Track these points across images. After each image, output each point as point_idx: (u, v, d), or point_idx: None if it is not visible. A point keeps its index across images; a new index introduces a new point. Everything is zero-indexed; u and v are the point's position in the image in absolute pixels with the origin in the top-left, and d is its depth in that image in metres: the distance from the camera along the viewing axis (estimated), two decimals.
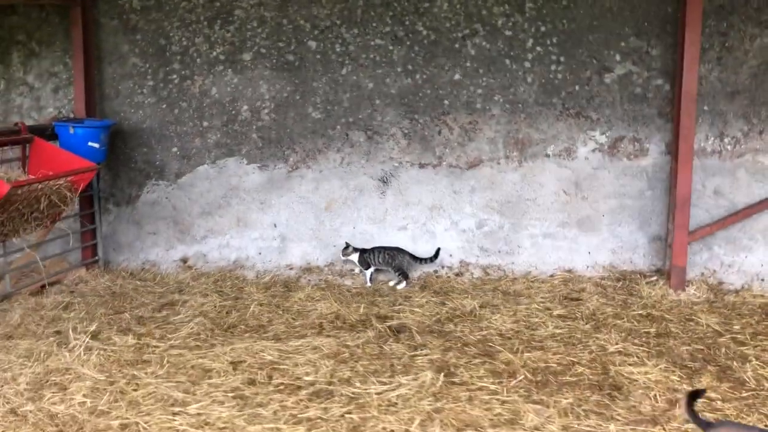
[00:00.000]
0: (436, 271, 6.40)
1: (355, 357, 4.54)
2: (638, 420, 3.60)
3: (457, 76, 6.29)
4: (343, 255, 6.21)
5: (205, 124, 6.65)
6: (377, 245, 6.31)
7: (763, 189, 5.96)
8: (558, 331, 4.97)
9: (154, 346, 4.73)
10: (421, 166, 6.45)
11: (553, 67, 6.16)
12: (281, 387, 4.09)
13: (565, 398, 3.86)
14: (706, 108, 5.96)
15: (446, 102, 6.33)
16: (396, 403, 3.84)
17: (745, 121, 5.95)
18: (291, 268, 6.60)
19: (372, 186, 6.54)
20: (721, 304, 5.54)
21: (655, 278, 5.98)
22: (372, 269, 6.22)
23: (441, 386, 4.05)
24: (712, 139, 5.99)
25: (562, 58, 6.14)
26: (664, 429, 3.50)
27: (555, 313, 5.35)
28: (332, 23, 6.39)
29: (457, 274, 6.33)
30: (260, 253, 6.71)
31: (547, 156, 6.27)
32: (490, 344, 4.74)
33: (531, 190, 6.32)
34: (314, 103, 6.50)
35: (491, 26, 6.19)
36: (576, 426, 3.53)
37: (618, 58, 6.07)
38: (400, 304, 5.59)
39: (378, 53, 6.36)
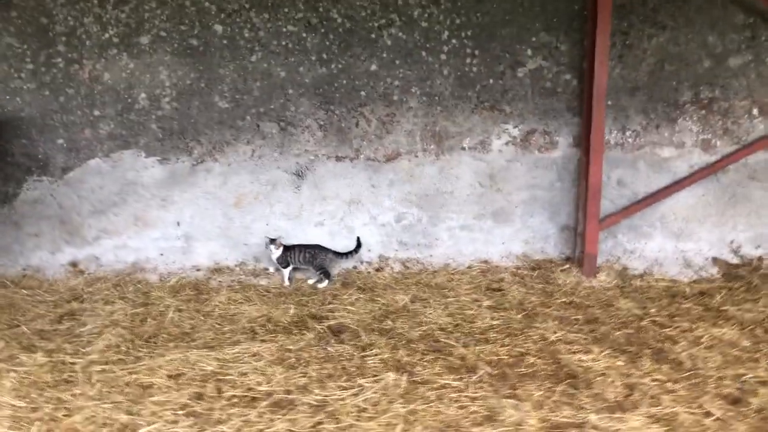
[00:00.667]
0: (355, 267, 6.23)
1: (303, 362, 4.29)
2: (607, 407, 3.68)
3: (373, 67, 6.14)
4: (272, 248, 5.84)
5: (96, 113, 6.01)
6: (297, 243, 6.03)
7: (660, 179, 6.37)
8: (495, 322, 5.00)
9: (71, 363, 4.18)
10: (338, 159, 6.25)
11: (468, 60, 6.19)
12: (234, 400, 3.77)
13: (532, 391, 3.87)
14: (609, 103, 6.25)
15: (363, 93, 6.16)
16: (366, 409, 3.65)
17: (644, 116, 6.32)
18: (198, 270, 6.15)
19: (286, 180, 6.24)
20: (631, 289, 5.86)
21: (568, 266, 6.20)
22: (290, 268, 5.93)
23: (406, 387, 3.91)
24: (615, 132, 6.31)
25: (476, 52, 6.18)
26: (633, 414, 3.59)
27: (484, 304, 5.39)
28: (240, 7, 6.00)
29: (377, 269, 6.20)
30: (162, 255, 6.19)
31: (463, 149, 6.30)
32: (435, 339, 4.66)
33: (448, 183, 6.32)
34: (221, 91, 6.08)
35: (407, 17, 6.10)
36: (554, 418, 3.55)
37: (529, 52, 6.21)
38: (330, 303, 5.38)
39: (290, 40, 6.07)
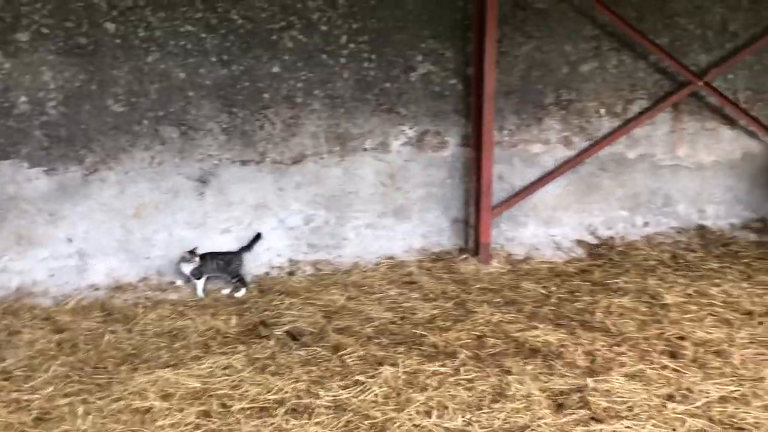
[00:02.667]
0: (267, 273, 6.13)
1: (284, 367, 4.21)
2: (587, 373, 4.15)
3: (276, 69, 6.09)
4: (186, 262, 5.53)
5: None
6: (209, 251, 5.77)
7: (532, 173, 7.12)
8: (435, 311, 5.28)
9: (26, 401, 3.69)
10: (243, 163, 6.10)
11: (365, 64, 6.40)
12: (248, 411, 3.62)
13: (516, 366, 4.22)
14: None
15: (266, 95, 6.09)
16: (386, 401, 3.73)
17: (517, 116, 7.02)
18: (96, 289, 5.64)
19: (188, 187, 5.95)
20: (523, 272, 6.49)
21: (465, 256, 6.69)
22: (204, 278, 5.68)
23: (405, 378, 4.04)
24: (495, 131, 6.92)
25: (373, 56, 6.41)
26: (612, 376, 4.09)
27: (412, 296, 5.64)
28: (134, 4, 5.61)
29: (289, 273, 6.16)
30: (53, 276, 5.58)
31: (365, 150, 6.50)
32: (394, 333, 4.82)
33: (353, 184, 6.48)
34: (115, 94, 5.64)
35: (307, 20, 6.15)
36: (555, 387, 3.92)
37: (420, 58, 6.59)
38: (267, 310, 5.26)
39: (189, 41, 5.80)
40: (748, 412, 3.63)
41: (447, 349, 4.51)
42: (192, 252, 5.59)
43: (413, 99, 6.60)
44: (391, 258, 6.58)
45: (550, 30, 6.98)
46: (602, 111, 7.34)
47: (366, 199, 6.54)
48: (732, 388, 3.94)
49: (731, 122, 7.86)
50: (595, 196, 7.43)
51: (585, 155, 7.25)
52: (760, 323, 5.01)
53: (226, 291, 5.73)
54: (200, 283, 5.66)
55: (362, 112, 6.43)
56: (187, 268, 5.60)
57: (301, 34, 6.14)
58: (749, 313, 5.25)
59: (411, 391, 3.88)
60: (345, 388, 3.93)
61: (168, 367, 4.19)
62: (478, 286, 5.97)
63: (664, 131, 7.62)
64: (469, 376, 4.10)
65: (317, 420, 3.55)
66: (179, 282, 5.79)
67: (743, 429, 3.47)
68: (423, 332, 4.76)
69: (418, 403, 3.73)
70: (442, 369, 4.20)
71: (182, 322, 4.93)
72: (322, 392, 3.86)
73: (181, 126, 5.86)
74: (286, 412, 3.62)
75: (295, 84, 6.17)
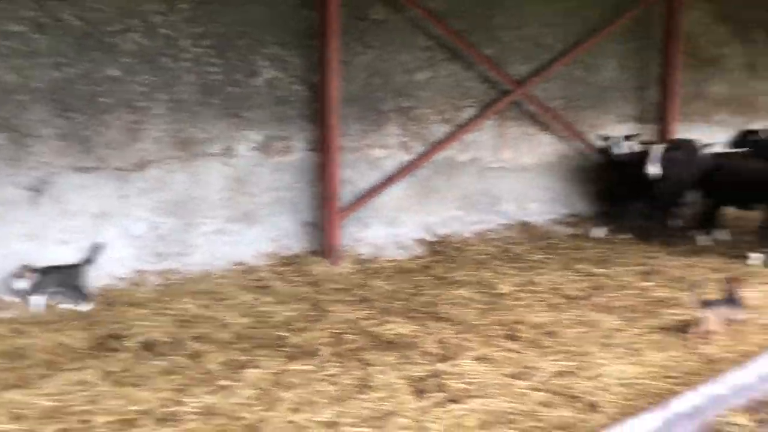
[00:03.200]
0: (112, 284, 5.87)
1: (144, 378, 4.11)
2: (441, 359, 4.47)
3: (115, 72, 5.87)
4: (19, 278, 5.16)
5: None
6: (48, 265, 5.43)
7: (375, 176, 7.42)
8: (291, 313, 5.38)
9: None
10: (82, 170, 5.80)
11: (209, 69, 6.35)
12: (113, 425, 3.51)
13: (376, 358, 4.44)
14: None
15: (105, 99, 5.84)
16: (256, 402, 3.78)
17: (361, 123, 7.29)
18: None
19: (22, 197, 5.56)
20: (371, 271, 6.76)
21: (316, 258, 6.83)
22: (42, 294, 5.34)
23: (272, 379, 4.11)
24: (340, 137, 7.13)
25: (217, 61, 6.37)
26: (463, 359, 4.44)
27: (266, 300, 5.70)
28: None
29: (135, 284, 5.95)
30: None
31: (211, 155, 6.43)
32: (253, 337, 4.86)
33: (199, 189, 6.39)
34: None
35: (147, 23, 5.98)
36: (413, 374, 4.19)
37: (264, 63, 6.64)
38: (116, 323, 5.06)
39: (19, 41, 5.44)
40: (579, 382, 4.12)
41: (308, 349, 4.63)
42: (27, 267, 5.23)
43: (258, 104, 6.64)
44: (240, 263, 6.56)
45: (388, 40, 7.34)
46: (436, 118, 7.83)
47: (213, 205, 6.47)
48: (565, 363, 4.43)
49: (547, 127, 8.70)
50: (432, 197, 7.90)
51: (422, 159, 7.68)
52: (581, 305, 5.64)
53: (68, 305, 5.41)
54: (38, 299, 5.31)
55: (207, 116, 6.37)
56: (20, 284, 5.23)
57: (142, 38, 5.96)
58: (571, 297, 5.88)
59: (278, 390, 3.96)
60: (211, 393, 3.92)
61: (14, 388, 3.92)
62: (330, 286, 6.14)
63: (490, 136, 8.28)
64: (332, 372, 4.25)
65: (187, 427, 3.52)
66: (13, 299, 5.38)
67: (577, 396, 3.93)
68: (282, 334, 4.84)
69: (286, 402, 3.81)
70: (306, 367, 4.31)
71: (23, 341, 4.61)
72: (187, 399, 3.82)
73: (12, 132, 5.46)
74: (153, 422, 3.54)
75: (136, 88, 5.97)
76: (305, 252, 6.98)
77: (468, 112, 8.03)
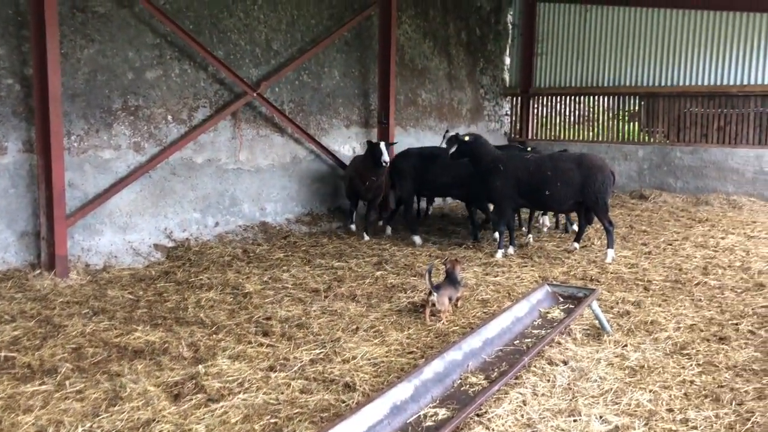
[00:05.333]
0: None
1: None
2: (192, 362, 4.32)
3: None
4: None
5: None
6: None
7: (105, 179, 6.91)
8: (17, 332, 4.81)
9: None
10: None
11: None
12: None
13: (130, 367, 4.16)
14: None
15: None
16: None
17: (86, 121, 6.73)
18: None
19: None
20: (106, 281, 6.30)
21: (39, 271, 6.15)
22: None
23: (2, 404, 3.63)
24: (63, 137, 6.51)
25: None
26: (219, 359, 4.35)
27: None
28: None
29: None
30: None
31: None
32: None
33: None
34: None
35: None
36: (168, 380, 4.00)
37: None
38: None
39: None
40: (333, 367, 4.29)
41: (44, 367, 4.17)
42: None
43: None
44: None
45: (112, 35, 6.88)
46: (169, 117, 7.54)
47: None
48: (317, 351, 4.58)
49: (281, 130, 8.88)
50: (169, 199, 7.59)
51: (156, 161, 7.34)
52: (325, 297, 5.87)
53: None
54: None
55: None
56: None
57: None
58: (315, 290, 6.09)
59: (14, 415, 3.50)
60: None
61: None
62: (60, 300, 5.58)
63: (226, 137, 8.21)
64: (77, 388, 3.88)
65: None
66: None
67: (334, 380, 4.09)
68: (9, 354, 4.28)
69: (26, 425, 3.40)
70: (44, 387, 3.88)
71: None
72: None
73: None
74: None
75: None
76: (26, 265, 6.25)
77: (202, 113, 7.86)
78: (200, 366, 4.25)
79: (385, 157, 7.94)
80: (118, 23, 6.93)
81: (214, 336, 4.86)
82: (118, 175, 7.03)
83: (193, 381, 4.02)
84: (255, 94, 8.30)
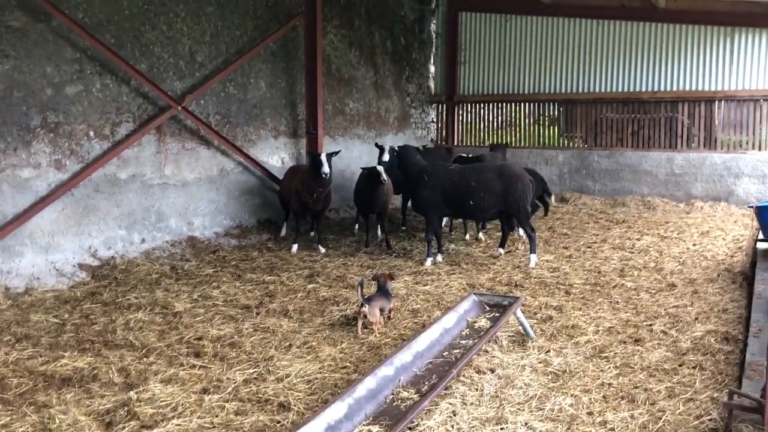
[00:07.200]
0: None
1: None
2: (125, 387, 4.28)
3: None
4: None
5: None
6: None
7: (24, 199, 6.71)
8: None
9: None
10: None
11: None
12: None
13: (58, 397, 4.08)
14: None
15: None
16: None
17: (2, 140, 6.52)
18: None
19: None
20: (28, 304, 6.12)
21: None
22: None
23: None
24: None
25: None
26: (154, 383, 4.32)
27: None
28: None
29: None
30: None
31: None
32: None
33: None
34: None
35: None
36: (100, 408, 3.95)
37: None
38: None
39: None
40: (267, 386, 4.32)
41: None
42: None
43: None
44: None
45: (28, 50, 6.70)
46: (92, 133, 7.38)
47: None
48: (251, 370, 4.60)
49: (207, 142, 8.81)
50: (93, 217, 7.42)
51: (79, 178, 7.17)
52: (257, 314, 5.89)
53: None
54: None
55: None
56: None
57: None
58: (247, 307, 6.09)
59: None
60: None
61: None
62: None
63: (151, 152, 8.08)
64: (2, 422, 3.79)
65: None
66: None
67: (269, 400, 4.13)
68: None
69: None
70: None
71: None
72: None
73: None
74: None
75: None
76: None
77: (126, 128, 7.73)
78: (132, 392, 4.21)
79: (325, 169, 7.84)
80: (34, 38, 6.74)
81: (144, 359, 4.81)
82: (38, 194, 6.83)
83: (126, 408, 3.99)
84: (179, 108, 8.21)
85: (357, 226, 9.75)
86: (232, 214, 9.20)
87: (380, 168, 8.08)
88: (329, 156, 8.04)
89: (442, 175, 7.64)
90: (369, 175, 8.26)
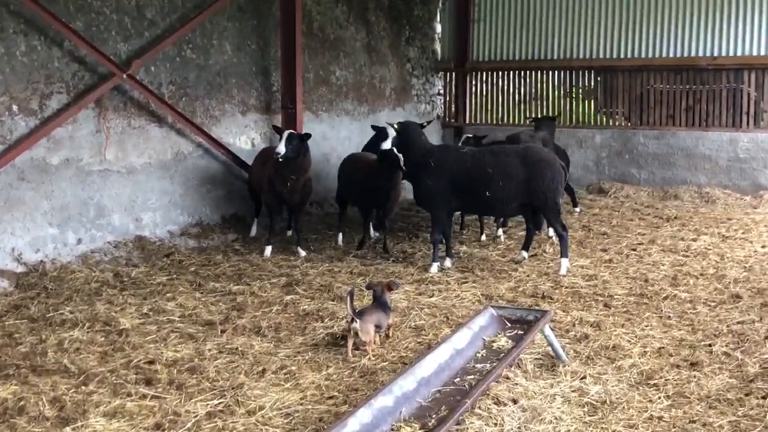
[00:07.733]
0: None
1: None
2: (58, 422, 4.31)
3: None
4: None
5: None
6: None
7: None
8: None
9: None
10: None
11: None
12: None
13: None
14: None
15: None
16: None
17: None
18: None
19: None
20: None
21: None
22: None
23: None
24: None
25: None
26: (91, 414, 4.35)
27: None
28: None
29: None
30: None
31: None
32: None
33: None
34: None
35: None
36: None
37: None
38: None
39: None
40: (236, 421, 4.35)
41: None
42: None
43: None
44: None
45: None
46: (15, 108, 7.41)
47: None
48: (215, 401, 4.62)
49: (159, 119, 8.82)
50: (17, 212, 7.44)
51: None
52: (223, 331, 5.90)
53: None
54: None
55: None
56: None
57: None
58: (210, 323, 6.11)
59: None
60: None
61: None
62: None
63: (89, 131, 8.10)
64: None
65: None
66: None
67: None
68: None
69: None
70: None
71: None
72: None
73: None
74: None
75: None
76: None
77: (57, 101, 7.74)
78: (68, 428, 4.23)
79: (280, 148, 7.79)
80: None
81: (83, 388, 4.84)
82: None
83: None
84: (124, 76, 8.22)
85: (341, 237, 9.19)
86: (190, 208, 9.22)
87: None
88: (295, 136, 8.01)
89: (451, 160, 7.66)
90: (383, 157, 8.15)
